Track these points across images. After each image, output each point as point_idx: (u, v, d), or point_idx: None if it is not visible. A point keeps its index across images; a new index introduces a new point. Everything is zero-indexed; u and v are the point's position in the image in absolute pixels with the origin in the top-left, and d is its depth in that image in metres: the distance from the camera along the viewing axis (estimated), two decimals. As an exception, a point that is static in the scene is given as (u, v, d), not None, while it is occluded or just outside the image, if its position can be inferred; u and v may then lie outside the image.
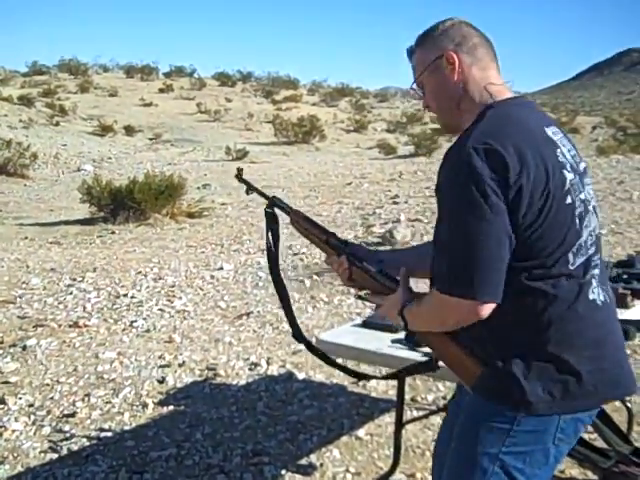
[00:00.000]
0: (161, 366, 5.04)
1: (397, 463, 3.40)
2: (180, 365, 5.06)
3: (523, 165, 1.67)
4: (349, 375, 2.53)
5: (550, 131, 1.83)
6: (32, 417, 4.21)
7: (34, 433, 4.01)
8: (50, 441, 3.92)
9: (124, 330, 5.90)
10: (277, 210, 2.33)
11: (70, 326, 5.97)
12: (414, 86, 2.02)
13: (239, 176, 2.44)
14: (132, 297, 6.97)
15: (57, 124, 31.34)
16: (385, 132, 39.39)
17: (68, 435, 3.99)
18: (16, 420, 4.16)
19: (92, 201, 12.77)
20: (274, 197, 2.35)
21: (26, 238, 10.79)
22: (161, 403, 4.44)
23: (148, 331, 5.85)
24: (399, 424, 3.38)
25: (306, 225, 2.27)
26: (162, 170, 16.63)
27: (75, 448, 3.84)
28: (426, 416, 4.04)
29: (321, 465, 3.65)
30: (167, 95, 47.60)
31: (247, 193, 2.46)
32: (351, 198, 14.36)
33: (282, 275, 2.41)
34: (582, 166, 1.87)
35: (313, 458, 3.73)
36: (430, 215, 11.74)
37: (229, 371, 4.97)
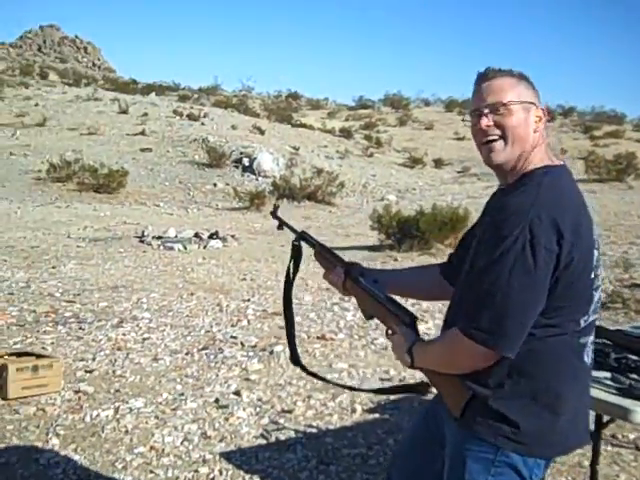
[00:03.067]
0: (382, 379, 5.46)
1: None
2: (400, 380, 5.44)
3: (574, 245, 1.84)
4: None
5: (586, 205, 1.99)
6: (257, 409, 4.85)
7: (254, 422, 4.64)
8: (265, 430, 4.52)
9: (364, 346, 6.42)
10: (303, 244, 2.54)
11: (317, 338, 6.62)
12: (487, 106, 1.98)
13: (273, 213, 2.65)
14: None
15: (371, 155, 33.26)
16: None
17: (280, 427, 4.56)
18: (243, 410, 4.82)
19: (381, 229, 13.66)
20: (303, 232, 2.56)
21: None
22: (370, 411, 4.86)
23: (385, 349, 6.29)
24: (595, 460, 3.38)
25: (327, 256, 2.49)
26: (460, 203, 17.07)
27: (282, 438, 4.40)
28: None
29: None
30: (482, 129, 48.13)
31: (278, 228, 2.64)
32: (647, 238, 13.76)
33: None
34: (599, 240, 2.02)
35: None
36: None
37: (444, 391, 5.25)
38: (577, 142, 44.16)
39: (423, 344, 2.09)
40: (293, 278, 2.58)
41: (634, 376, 2.83)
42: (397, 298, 2.33)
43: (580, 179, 31.02)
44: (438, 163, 33.52)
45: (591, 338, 2.02)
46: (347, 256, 8.72)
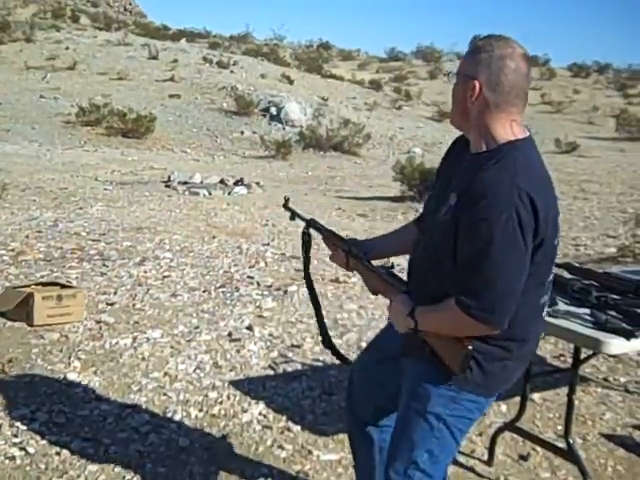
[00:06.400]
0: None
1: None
2: (407, 323, 5.65)
3: (546, 220, 2.05)
4: None
5: (549, 175, 2.18)
6: (268, 343, 5.11)
7: (264, 355, 4.90)
8: (273, 362, 4.78)
9: (375, 290, 6.62)
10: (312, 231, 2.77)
11: (331, 281, 6.84)
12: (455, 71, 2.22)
13: (285, 205, 2.90)
14: (398, 265, 7.66)
15: (399, 108, 33.07)
16: None
17: (288, 360, 4.82)
18: (255, 344, 5.08)
19: (403, 180, 13.78)
20: (312, 219, 2.79)
21: (339, 209, 11.97)
22: (375, 349, 5.09)
23: (396, 293, 6.50)
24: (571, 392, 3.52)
25: (332, 239, 2.71)
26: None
27: (289, 370, 4.67)
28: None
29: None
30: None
31: (291, 219, 2.88)
32: (666, 198, 13.78)
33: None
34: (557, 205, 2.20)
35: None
36: None
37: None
38: (610, 99, 43.60)
39: (424, 309, 2.21)
40: (308, 263, 2.88)
41: (612, 313, 3.02)
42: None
43: (610, 137, 30.85)
44: (467, 117, 33.23)
45: (547, 297, 2.26)
46: (369, 207, 9.00)
